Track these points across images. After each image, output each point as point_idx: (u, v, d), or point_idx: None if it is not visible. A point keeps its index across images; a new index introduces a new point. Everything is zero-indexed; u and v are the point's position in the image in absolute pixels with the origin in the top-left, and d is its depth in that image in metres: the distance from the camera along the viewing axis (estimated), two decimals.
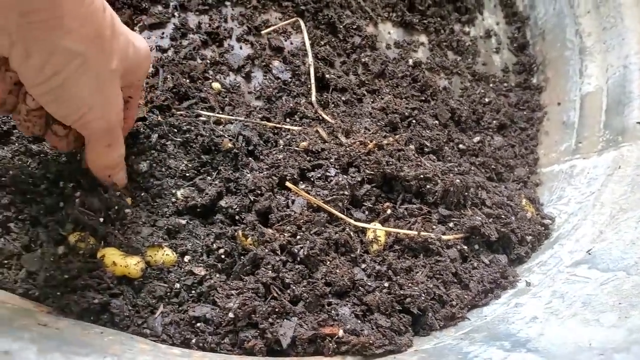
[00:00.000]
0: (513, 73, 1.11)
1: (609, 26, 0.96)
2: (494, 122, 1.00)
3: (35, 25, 0.42)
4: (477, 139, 0.96)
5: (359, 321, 0.57)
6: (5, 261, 0.56)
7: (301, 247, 0.61)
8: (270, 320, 0.55)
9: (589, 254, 0.65)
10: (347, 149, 0.72)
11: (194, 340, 0.54)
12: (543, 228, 0.77)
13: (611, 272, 0.59)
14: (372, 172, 0.70)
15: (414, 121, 0.88)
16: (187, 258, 0.60)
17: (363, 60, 0.97)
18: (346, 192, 0.68)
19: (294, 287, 0.58)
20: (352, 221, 0.66)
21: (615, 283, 0.56)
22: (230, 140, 0.71)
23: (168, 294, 0.57)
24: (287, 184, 0.66)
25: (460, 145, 0.92)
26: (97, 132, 0.53)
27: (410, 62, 1.00)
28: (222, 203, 0.65)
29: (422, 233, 0.66)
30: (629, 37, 0.92)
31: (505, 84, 1.08)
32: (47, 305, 0.54)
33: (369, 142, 0.74)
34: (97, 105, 0.50)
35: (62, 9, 0.43)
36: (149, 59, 0.58)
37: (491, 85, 1.07)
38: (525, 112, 1.05)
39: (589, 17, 1.02)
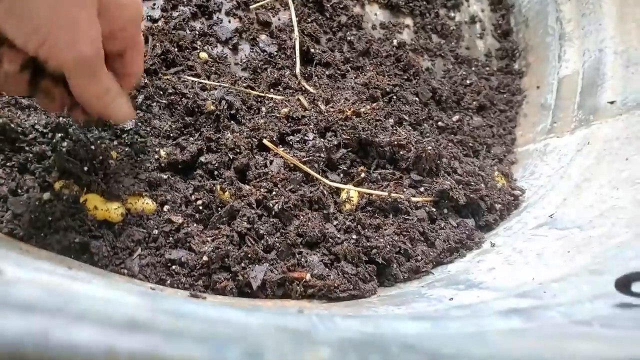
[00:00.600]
0: (495, 58, 1.15)
1: (588, 12, 1.00)
2: (474, 103, 1.03)
3: None
4: (456, 117, 0.99)
5: (327, 268, 0.60)
6: None
7: (276, 202, 0.64)
8: (242, 264, 0.58)
9: (551, 217, 0.68)
10: (325, 114, 0.75)
11: (168, 281, 0.57)
12: (512, 198, 0.80)
13: (567, 229, 0.62)
14: (348, 137, 0.73)
15: (394, 97, 0.92)
16: (166, 208, 0.63)
17: (348, 38, 1.00)
18: (322, 155, 0.72)
19: (267, 238, 0.61)
20: (326, 181, 0.69)
21: (569, 238, 0.59)
22: (213, 103, 0.74)
23: (146, 238, 0.60)
24: (265, 141, 0.69)
25: (440, 123, 0.95)
26: (69, 63, 0.48)
27: (395, 42, 1.04)
28: (202, 159, 0.68)
29: (393, 194, 0.69)
30: (605, 22, 0.95)
31: (487, 68, 1.11)
32: (30, 244, 0.57)
33: (347, 109, 0.77)
34: (62, 28, 0.45)
35: None
36: (138, 6, 0.54)
37: (473, 68, 1.10)
38: (505, 95, 1.08)
39: (569, 4, 1.05)
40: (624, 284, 0.39)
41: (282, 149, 0.73)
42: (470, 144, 0.96)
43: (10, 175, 0.62)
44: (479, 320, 0.34)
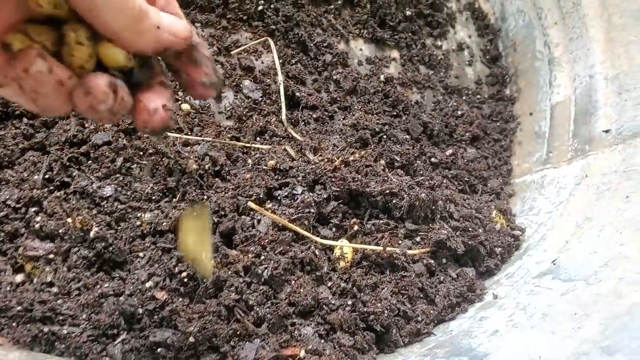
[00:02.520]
0: (486, 85, 1.12)
1: (575, 37, 0.98)
2: (467, 134, 1.01)
3: None
4: (449, 151, 0.96)
5: (322, 340, 0.57)
6: None
7: (265, 268, 0.61)
8: (232, 343, 0.55)
9: (554, 264, 0.65)
10: (314, 166, 0.73)
11: None
12: (513, 239, 0.77)
13: (572, 282, 0.59)
14: (338, 189, 0.71)
15: (384, 136, 0.89)
16: (148, 284, 0.60)
17: (334, 77, 0.98)
18: (312, 210, 0.69)
19: (257, 309, 0.58)
20: (317, 239, 0.66)
21: (575, 293, 0.56)
22: (196, 161, 0.71)
23: (130, 320, 0.57)
24: (250, 204, 0.66)
25: (433, 159, 0.92)
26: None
27: (382, 77, 1.01)
28: None
29: (388, 248, 0.66)
30: (593, 47, 0.93)
31: (479, 96, 1.09)
32: (1, 336, 0.54)
33: (335, 159, 0.75)
34: None
35: None
36: None
37: (464, 97, 1.07)
38: (498, 124, 1.06)
39: (556, 28, 1.03)
40: None
41: (270, 204, 0.70)
42: (466, 179, 0.93)
43: None
44: None
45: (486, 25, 1.18)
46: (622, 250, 0.58)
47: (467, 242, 0.71)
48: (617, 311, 0.48)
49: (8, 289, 0.57)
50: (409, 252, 0.67)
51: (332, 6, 1.04)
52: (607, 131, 0.84)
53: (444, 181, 0.89)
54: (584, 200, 0.76)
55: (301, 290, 0.60)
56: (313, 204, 0.68)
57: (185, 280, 0.61)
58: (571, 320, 0.50)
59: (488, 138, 1.03)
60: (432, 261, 0.68)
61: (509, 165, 1.00)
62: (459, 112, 1.04)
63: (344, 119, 0.92)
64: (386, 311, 0.59)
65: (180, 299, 0.59)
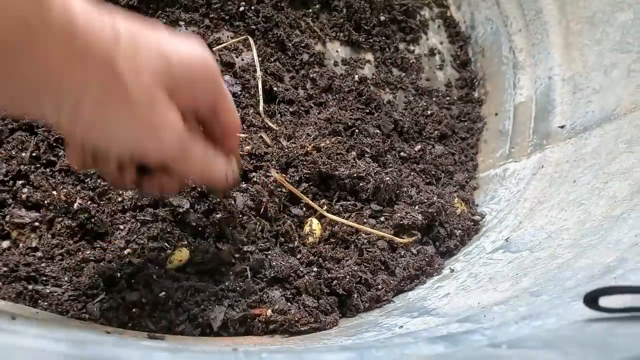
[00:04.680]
0: (455, 88, 1.19)
1: (537, 42, 1.05)
2: (436, 132, 1.07)
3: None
4: (418, 147, 1.02)
5: (288, 303, 0.61)
6: None
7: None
8: (202, 306, 0.59)
9: (507, 241, 0.71)
10: (287, 150, 0.78)
11: (130, 324, 0.58)
12: (472, 224, 0.83)
13: (519, 252, 0.64)
14: (309, 171, 0.76)
15: (357, 130, 0.94)
16: (127, 251, 0.64)
17: (311, 75, 1.03)
18: (283, 190, 0.73)
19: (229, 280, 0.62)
20: (321, 210, 0.71)
21: (519, 260, 0.61)
22: None
23: (108, 282, 0.61)
24: (273, 172, 0.70)
25: (402, 153, 0.98)
26: (160, 159, 0.48)
27: (357, 77, 1.07)
28: (172, 201, 0.69)
29: (355, 225, 0.71)
30: (553, 52, 1.00)
31: (448, 98, 1.16)
32: None
33: (308, 145, 0.80)
34: (141, 138, 0.44)
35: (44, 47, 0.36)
36: (206, 62, 0.48)
37: (434, 98, 1.14)
38: (466, 123, 1.12)
39: (520, 34, 1.10)
40: (592, 300, 0.40)
41: (244, 185, 0.75)
42: (433, 172, 0.98)
43: None
44: (404, 348, 0.36)
45: (457, 32, 1.26)
46: (563, 224, 0.64)
47: (426, 218, 0.76)
48: (550, 268, 0.54)
49: None
50: (375, 231, 0.72)
51: (310, 10, 1.11)
52: (562, 127, 0.91)
53: (412, 174, 0.95)
54: (538, 187, 0.82)
55: (274, 262, 0.64)
56: (284, 185, 0.73)
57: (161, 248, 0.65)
58: (511, 279, 0.56)
59: (456, 136, 1.10)
60: (395, 237, 0.73)
61: (475, 162, 1.06)
62: (429, 112, 1.10)
63: (318, 113, 0.97)
64: (348, 277, 0.64)
65: (155, 266, 0.63)
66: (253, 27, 1.02)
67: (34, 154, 0.71)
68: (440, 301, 0.58)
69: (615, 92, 0.83)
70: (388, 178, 0.76)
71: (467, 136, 1.10)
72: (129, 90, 0.40)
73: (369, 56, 1.13)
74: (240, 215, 0.70)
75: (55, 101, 0.39)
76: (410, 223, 0.74)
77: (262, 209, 0.70)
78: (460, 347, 0.34)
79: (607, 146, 0.75)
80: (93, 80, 0.39)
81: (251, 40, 1.00)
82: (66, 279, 0.61)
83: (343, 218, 0.74)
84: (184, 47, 0.46)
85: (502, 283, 0.56)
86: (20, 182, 0.66)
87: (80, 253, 0.63)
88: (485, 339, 0.35)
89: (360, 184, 0.76)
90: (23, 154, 0.70)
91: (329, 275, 0.64)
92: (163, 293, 0.59)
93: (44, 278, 0.60)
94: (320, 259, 0.67)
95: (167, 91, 0.44)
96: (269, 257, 0.65)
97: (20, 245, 0.62)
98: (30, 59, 0.36)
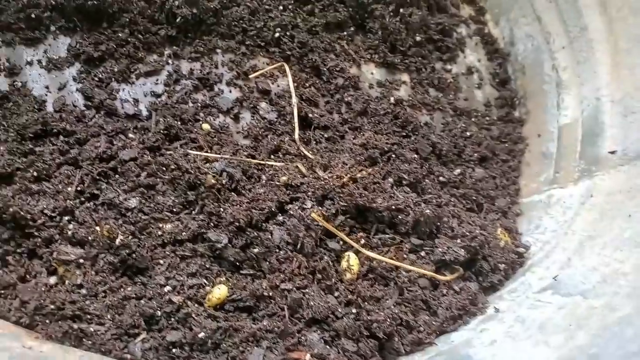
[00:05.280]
0: (495, 107, 1.16)
1: (583, 60, 1.01)
2: (475, 154, 1.04)
3: None
4: (457, 171, 0.99)
5: (327, 346, 0.60)
6: (2, 291, 0.62)
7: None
8: (240, 348, 0.58)
9: (555, 280, 0.68)
10: (323, 182, 0.77)
11: None
12: (517, 256, 0.80)
13: (570, 296, 0.61)
14: (346, 204, 0.74)
15: (393, 155, 0.93)
16: (167, 288, 0.65)
17: (346, 99, 1.02)
18: (320, 224, 0.72)
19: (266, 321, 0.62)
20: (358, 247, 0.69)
21: (572, 307, 0.58)
22: (214, 176, 0.76)
23: (149, 321, 0.61)
24: (313, 215, 0.69)
25: (441, 178, 0.96)
26: None
27: (392, 99, 1.06)
28: (207, 235, 0.69)
29: (395, 262, 0.69)
30: (600, 70, 0.96)
31: (487, 118, 1.12)
32: (36, 331, 0.59)
33: (344, 175, 0.79)
34: None
35: None
36: None
37: (473, 119, 1.11)
38: (507, 145, 1.09)
39: (564, 52, 1.06)
40: None
41: (282, 217, 0.74)
42: (474, 197, 0.96)
43: (19, 262, 0.65)
44: None
45: (495, 49, 1.22)
46: (619, 267, 0.60)
47: (468, 252, 0.73)
48: (608, 322, 0.50)
49: (43, 289, 0.63)
50: (415, 269, 0.70)
51: (345, 33, 1.10)
52: (613, 152, 0.86)
53: (452, 199, 0.93)
54: (588, 219, 0.78)
55: (313, 301, 0.64)
56: (321, 218, 0.72)
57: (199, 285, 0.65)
58: (565, 332, 0.53)
59: (496, 159, 1.06)
60: (437, 275, 0.71)
61: (517, 185, 1.02)
62: (468, 133, 1.07)
63: (354, 138, 0.96)
64: (388, 319, 0.62)
65: (195, 305, 0.63)
66: (288, 52, 1.02)
67: (78, 188, 0.73)
68: (486, 350, 0.56)
69: None
70: (428, 211, 0.74)
71: (509, 158, 1.07)
72: None
73: (405, 77, 1.11)
74: (277, 250, 0.70)
75: None
76: (452, 259, 0.71)
77: (299, 244, 0.69)
78: None
79: None
80: None
81: (286, 67, 0.99)
82: (109, 316, 0.61)
83: (382, 252, 0.73)
84: None
85: (554, 335, 0.53)
86: (67, 217, 0.68)
87: (122, 290, 0.64)
88: None
89: (399, 217, 0.75)
90: (69, 189, 0.72)
91: (369, 318, 0.62)
92: (202, 334, 0.59)
93: (89, 316, 0.61)
94: (359, 298, 0.65)
95: None
96: (307, 295, 0.64)
97: (66, 282, 0.64)
98: None
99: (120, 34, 0.92)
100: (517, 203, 0.98)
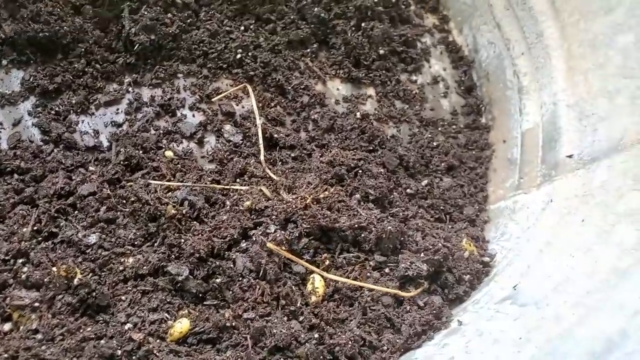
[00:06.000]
0: (462, 115, 1.17)
1: (540, 66, 1.02)
2: (443, 164, 1.04)
3: None
4: (425, 182, 1.00)
5: None
6: None
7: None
8: None
9: (514, 289, 0.68)
10: (285, 205, 0.77)
11: None
12: (482, 266, 0.80)
13: (525, 306, 0.61)
14: (309, 226, 0.74)
15: (360, 171, 0.93)
16: (127, 326, 0.64)
17: (313, 117, 1.03)
18: (284, 248, 0.72)
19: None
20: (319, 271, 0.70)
21: (525, 318, 0.58)
22: (174, 206, 0.76)
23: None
24: (269, 245, 0.69)
25: (408, 190, 0.96)
26: None
27: (359, 114, 1.06)
28: (168, 268, 0.69)
29: (357, 283, 0.69)
30: (556, 76, 0.97)
31: (454, 126, 1.13)
32: None
33: (307, 196, 0.79)
34: None
35: None
36: None
37: (440, 128, 1.12)
38: (474, 152, 1.10)
39: (523, 58, 1.08)
40: None
41: (245, 244, 0.74)
42: (442, 207, 0.96)
43: None
44: None
45: (460, 57, 1.23)
46: (570, 274, 0.61)
47: (432, 266, 0.74)
48: (552, 335, 0.51)
49: None
50: (378, 288, 0.70)
51: (308, 50, 1.10)
52: (570, 156, 0.87)
53: (420, 211, 0.93)
54: (547, 225, 0.79)
55: (276, 329, 0.63)
56: (284, 242, 0.72)
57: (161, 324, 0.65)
58: (514, 346, 0.53)
59: (464, 166, 1.07)
60: (400, 291, 0.71)
61: (485, 192, 1.03)
62: (435, 143, 1.08)
63: (321, 156, 0.96)
64: (350, 342, 0.62)
65: (156, 341, 0.63)
66: (252, 73, 1.02)
67: (35, 228, 0.72)
68: None
69: (621, 121, 0.80)
70: (390, 227, 0.75)
71: (476, 165, 1.07)
72: None
73: (371, 91, 1.12)
74: (241, 278, 0.70)
75: None
76: (415, 274, 0.72)
77: (262, 272, 0.69)
78: None
79: (615, 182, 0.72)
80: None
81: (249, 88, 1.00)
82: None
83: (347, 271, 0.73)
84: None
85: (504, 350, 0.53)
86: (21, 260, 0.67)
87: (81, 331, 0.64)
88: None
89: (362, 235, 0.75)
90: (24, 229, 0.71)
91: (331, 342, 0.62)
92: None
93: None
94: (322, 322, 0.65)
95: None
96: (270, 323, 0.64)
97: (21, 327, 0.63)
98: None
99: (76, 65, 0.91)
100: (485, 210, 0.99)
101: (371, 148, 1.02)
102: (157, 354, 0.61)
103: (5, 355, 0.58)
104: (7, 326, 0.62)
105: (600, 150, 0.81)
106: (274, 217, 0.77)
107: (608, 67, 0.87)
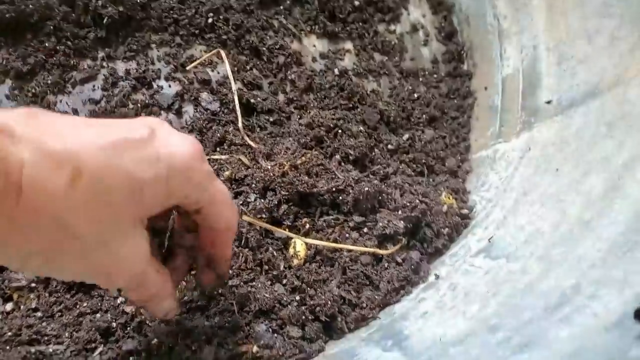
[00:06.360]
0: (443, 63, 1.15)
1: (520, 6, 1.00)
2: (424, 116, 1.04)
3: None
4: (406, 136, 1.00)
5: (274, 334, 0.63)
6: None
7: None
8: (193, 347, 0.62)
9: (489, 242, 0.70)
10: (263, 173, 0.78)
11: None
12: (460, 219, 0.82)
13: (497, 259, 0.64)
14: (287, 193, 0.76)
15: (339, 131, 0.93)
16: (120, 299, 0.68)
17: (290, 77, 1.02)
18: (264, 215, 0.75)
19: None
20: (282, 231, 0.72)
21: (495, 271, 0.61)
22: None
23: (105, 334, 0.65)
24: (245, 217, 0.71)
25: (389, 146, 0.97)
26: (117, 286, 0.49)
27: (337, 71, 1.05)
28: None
29: (335, 245, 0.72)
30: (536, 16, 0.95)
31: (435, 75, 1.12)
32: None
33: (285, 163, 0.80)
34: (92, 274, 0.44)
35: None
36: (191, 166, 0.45)
37: (421, 79, 1.11)
38: (456, 101, 1.09)
39: None
40: None
41: None
42: (423, 161, 0.97)
43: None
44: None
45: (440, 2, 1.20)
46: (540, 225, 0.63)
47: (409, 223, 0.76)
48: (515, 289, 0.53)
49: (0, 317, 0.66)
50: (356, 248, 0.72)
51: (281, 7, 1.08)
52: (549, 102, 0.87)
53: (401, 166, 0.94)
54: (525, 174, 0.80)
55: (258, 294, 0.66)
56: (264, 210, 0.74)
57: None
58: (481, 300, 0.56)
59: (446, 117, 1.07)
60: (379, 249, 0.74)
61: (467, 142, 1.03)
62: (416, 95, 1.07)
63: (300, 118, 0.97)
64: (329, 302, 0.65)
65: (147, 311, 0.66)
66: (224, 37, 1.01)
67: None
68: (416, 324, 0.59)
69: (599, 63, 0.79)
70: (367, 187, 0.76)
71: (458, 115, 1.07)
72: (84, 240, 0.39)
73: (348, 45, 1.10)
74: None
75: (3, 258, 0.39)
76: (392, 232, 0.74)
77: (243, 240, 0.71)
78: None
79: (590, 128, 0.72)
80: (39, 240, 0.37)
81: (222, 53, 0.98)
82: (67, 334, 0.65)
83: (327, 234, 0.75)
84: (173, 148, 0.44)
85: (472, 305, 0.56)
86: None
87: (77, 307, 0.67)
88: None
89: (340, 197, 0.77)
90: None
91: (312, 302, 0.66)
92: (155, 340, 0.63)
93: (46, 338, 0.64)
94: (303, 284, 0.68)
95: (136, 217, 0.43)
96: (254, 288, 0.67)
97: (22, 307, 0.66)
98: None
99: (47, 44, 0.90)
100: (468, 160, 1.00)
101: (351, 105, 1.01)
102: (150, 324, 0.64)
103: (10, 334, 0.62)
104: (8, 306, 0.66)
105: (578, 95, 0.80)
106: (253, 185, 0.78)
107: (587, 5, 0.85)
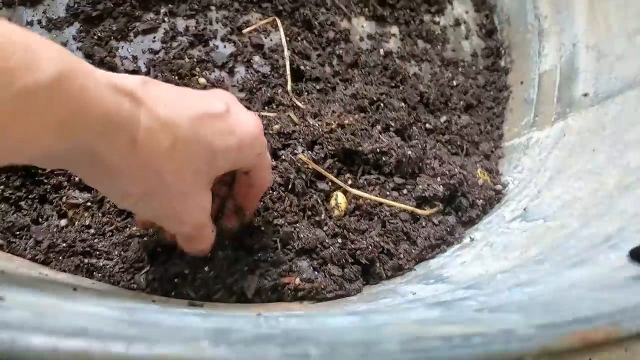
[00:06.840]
0: (481, 57, 1.19)
1: (562, 9, 1.04)
2: (461, 102, 1.08)
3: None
4: (444, 118, 1.04)
5: (315, 271, 0.67)
6: (17, 232, 0.68)
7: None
8: (236, 276, 0.65)
9: (525, 210, 0.74)
10: (312, 129, 0.82)
11: (173, 293, 0.65)
12: (494, 193, 0.86)
13: (534, 222, 0.67)
14: (334, 148, 0.80)
15: (382, 104, 0.97)
16: None
17: (337, 52, 1.06)
18: (310, 167, 0.78)
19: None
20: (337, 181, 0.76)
21: (533, 229, 0.64)
22: None
23: (152, 255, 0.68)
24: (300, 156, 0.75)
25: (427, 125, 1.01)
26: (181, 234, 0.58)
27: (382, 52, 1.09)
28: None
29: (378, 199, 0.75)
30: (577, 18, 0.99)
31: (474, 67, 1.16)
32: (50, 267, 0.66)
33: (333, 122, 0.84)
34: (171, 220, 0.53)
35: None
36: (256, 139, 0.55)
37: (460, 69, 1.15)
38: (492, 92, 1.13)
39: (545, 1, 1.09)
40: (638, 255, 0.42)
41: (274, 162, 0.80)
42: (459, 143, 1.01)
43: (31, 207, 0.71)
44: (403, 313, 0.40)
45: (483, 1, 1.24)
46: (578, 194, 0.66)
47: (447, 189, 0.79)
48: (557, 237, 0.57)
49: (55, 230, 0.69)
50: (396, 204, 0.76)
51: None
52: (585, 95, 0.91)
53: (437, 145, 0.98)
54: (560, 156, 0.83)
55: (302, 234, 0.70)
56: (311, 161, 0.78)
57: None
58: (522, 248, 0.59)
59: (482, 106, 1.11)
60: (417, 209, 0.77)
61: (501, 131, 1.07)
62: (455, 83, 1.11)
63: (344, 89, 1.01)
64: (370, 247, 0.69)
65: None
66: (280, 8, 1.06)
67: None
68: (456, 269, 0.62)
69: (638, 60, 0.83)
70: (410, 152, 0.80)
71: (493, 105, 1.11)
72: (171, 190, 0.47)
73: (394, 30, 1.14)
74: (271, 191, 0.76)
75: (105, 189, 0.49)
76: (431, 195, 0.77)
77: (290, 185, 0.75)
78: (451, 312, 0.38)
79: (627, 114, 0.75)
80: (140, 183, 0.46)
81: (278, 21, 1.03)
82: (116, 253, 0.68)
83: (367, 191, 0.79)
84: (243, 125, 0.53)
85: (513, 252, 0.59)
86: None
87: (127, 229, 0.71)
88: (476, 304, 0.39)
89: (383, 159, 0.80)
90: None
91: (353, 246, 0.69)
92: (200, 267, 0.66)
93: (97, 252, 0.67)
94: (345, 230, 0.72)
95: (209, 178, 0.52)
96: (297, 229, 0.71)
97: (76, 223, 0.70)
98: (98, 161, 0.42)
99: None
100: (500, 147, 1.04)
101: (393, 84, 1.06)
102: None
103: (64, 245, 0.66)
104: (63, 222, 0.69)
105: (615, 87, 0.84)
106: (301, 139, 0.82)
107: (629, 8, 0.89)
